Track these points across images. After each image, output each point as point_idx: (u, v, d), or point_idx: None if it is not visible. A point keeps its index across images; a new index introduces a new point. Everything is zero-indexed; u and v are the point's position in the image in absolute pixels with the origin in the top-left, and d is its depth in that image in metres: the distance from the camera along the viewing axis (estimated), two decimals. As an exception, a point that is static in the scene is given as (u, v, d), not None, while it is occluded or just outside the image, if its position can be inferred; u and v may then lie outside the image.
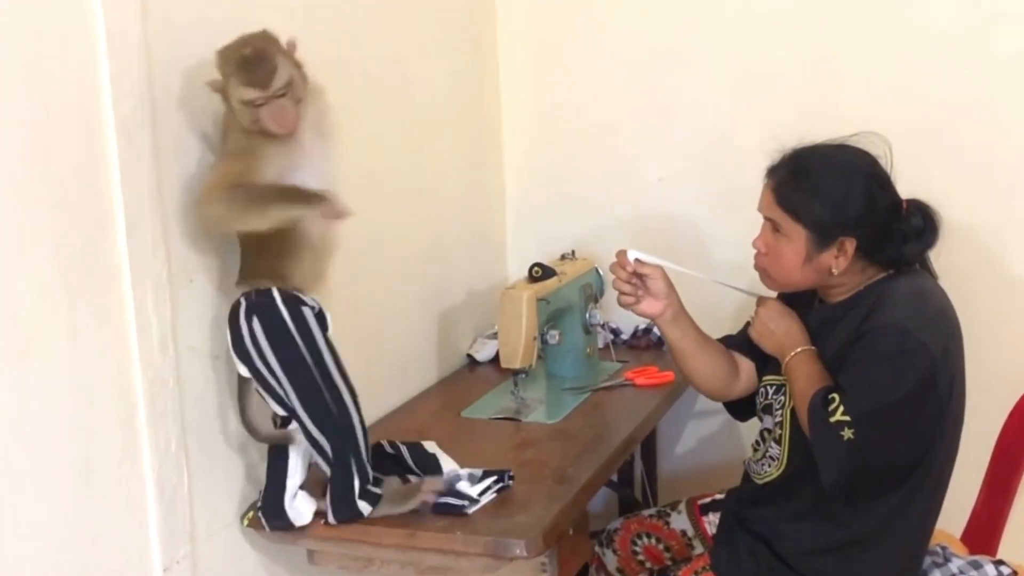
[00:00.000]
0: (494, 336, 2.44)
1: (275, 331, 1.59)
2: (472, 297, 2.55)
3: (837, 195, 1.76)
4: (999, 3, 2.31)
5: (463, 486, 1.72)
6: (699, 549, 2.08)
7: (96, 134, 1.44)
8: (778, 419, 1.86)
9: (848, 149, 1.80)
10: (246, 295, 1.61)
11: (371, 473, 1.66)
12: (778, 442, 1.87)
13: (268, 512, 1.68)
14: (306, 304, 1.62)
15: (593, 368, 2.38)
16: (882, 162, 1.80)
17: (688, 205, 2.61)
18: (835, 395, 1.65)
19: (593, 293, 2.40)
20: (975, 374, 2.33)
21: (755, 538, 1.86)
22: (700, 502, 2.16)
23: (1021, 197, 2.35)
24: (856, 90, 2.38)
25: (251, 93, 1.52)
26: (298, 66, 1.57)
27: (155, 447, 1.55)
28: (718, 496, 2.14)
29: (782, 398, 1.85)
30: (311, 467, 1.71)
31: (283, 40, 1.57)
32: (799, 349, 1.79)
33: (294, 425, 1.64)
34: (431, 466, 1.82)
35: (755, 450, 1.94)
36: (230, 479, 1.74)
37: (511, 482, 1.74)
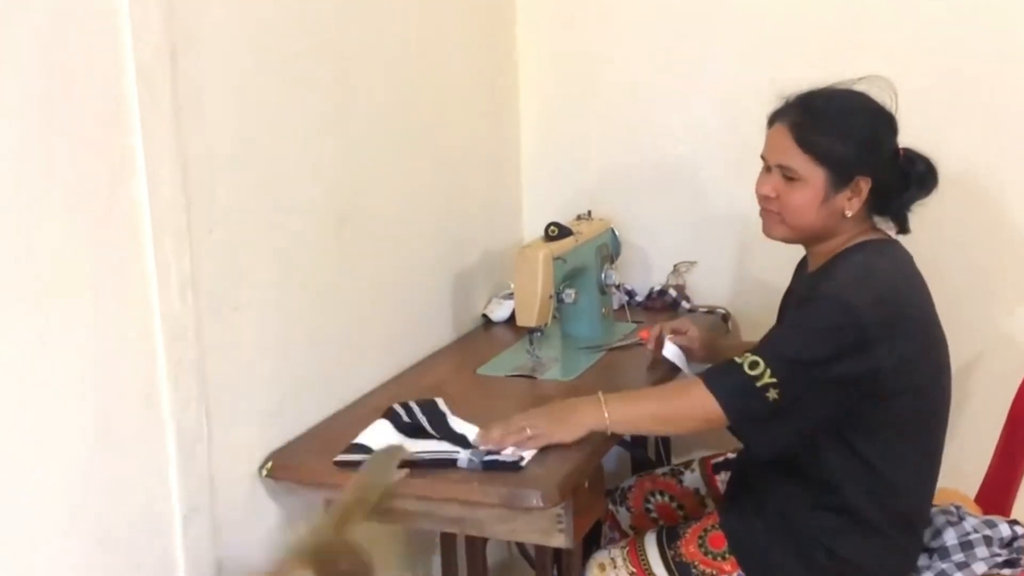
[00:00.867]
0: (510, 296, 2.46)
1: None
2: (487, 257, 2.57)
3: (860, 133, 1.81)
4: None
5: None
6: (711, 507, 2.12)
7: (117, 83, 1.44)
8: None
9: (861, 92, 1.83)
10: None
11: None
12: None
13: None
14: None
15: (608, 328, 2.40)
16: (889, 107, 1.83)
17: (703, 165, 2.61)
18: (755, 357, 1.71)
19: (609, 253, 2.41)
20: (989, 338, 2.39)
21: (761, 497, 1.90)
22: (713, 461, 2.21)
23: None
24: (871, 51, 2.37)
25: None
26: None
27: (175, 396, 1.57)
28: (730, 455, 2.18)
29: None
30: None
31: None
32: (600, 398, 1.79)
33: None
34: (443, 427, 1.83)
35: None
36: (250, 430, 1.77)
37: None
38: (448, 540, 2.24)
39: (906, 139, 1.85)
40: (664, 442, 2.62)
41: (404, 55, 2.21)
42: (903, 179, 1.85)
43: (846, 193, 1.80)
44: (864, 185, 1.80)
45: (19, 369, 1.34)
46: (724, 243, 2.57)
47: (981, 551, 1.84)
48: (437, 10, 2.35)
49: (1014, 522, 1.89)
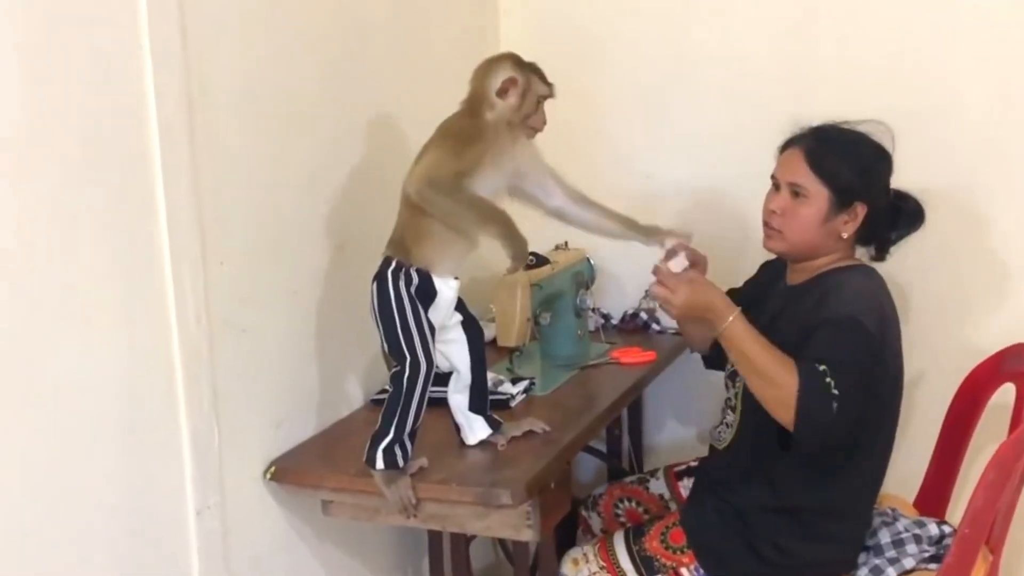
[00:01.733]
0: (492, 319, 2.64)
1: (381, 295, 1.84)
2: (473, 283, 2.71)
3: (864, 163, 1.97)
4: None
5: (506, 387, 2.17)
6: (674, 510, 2.27)
7: (141, 132, 1.62)
8: (737, 388, 2.07)
9: (865, 131, 2.00)
10: (383, 260, 1.86)
11: (407, 441, 1.83)
12: (733, 411, 2.08)
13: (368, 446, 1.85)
14: (408, 279, 1.83)
15: (584, 348, 2.55)
16: (888, 148, 2.01)
17: (674, 199, 2.77)
18: (825, 367, 1.77)
19: (584, 280, 2.55)
20: (928, 354, 2.55)
21: (719, 498, 2.05)
22: (676, 469, 2.36)
23: (973, 195, 2.52)
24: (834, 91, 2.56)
25: (546, 91, 1.90)
26: None
27: (190, 407, 1.74)
28: (692, 463, 2.34)
29: None
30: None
31: None
32: (735, 312, 1.86)
33: (447, 390, 1.96)
34: None
35: (719, 421, 2.15)
36: (256, 438, 1.93)
37: (534, 387, 2.17)
38: (435, 542, 2.38)
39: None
40: (637, 453, 2.80)
41: (399, 97, 2.38)
42: (893, 214, 2.03)
43: (844, 216, 1.96)
44: (861, 211, 1.96)
45: (60, 383, 1.52)
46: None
47: (911, 548, 2.00)
48: (431, 59, 2.53)
49: (943, 522, 2.05)
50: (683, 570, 2.02)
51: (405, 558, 2.49)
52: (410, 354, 1.82)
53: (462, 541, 2.29)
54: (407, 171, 1.85)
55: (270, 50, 1.94)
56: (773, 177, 2.04)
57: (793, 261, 2.08)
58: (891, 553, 2.01)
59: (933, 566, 1.99)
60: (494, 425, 1.96)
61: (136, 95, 1.62)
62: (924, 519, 2.07)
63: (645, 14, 2.77)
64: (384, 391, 2.20)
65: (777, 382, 1.80)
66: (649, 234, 2.06)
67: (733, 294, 2.29)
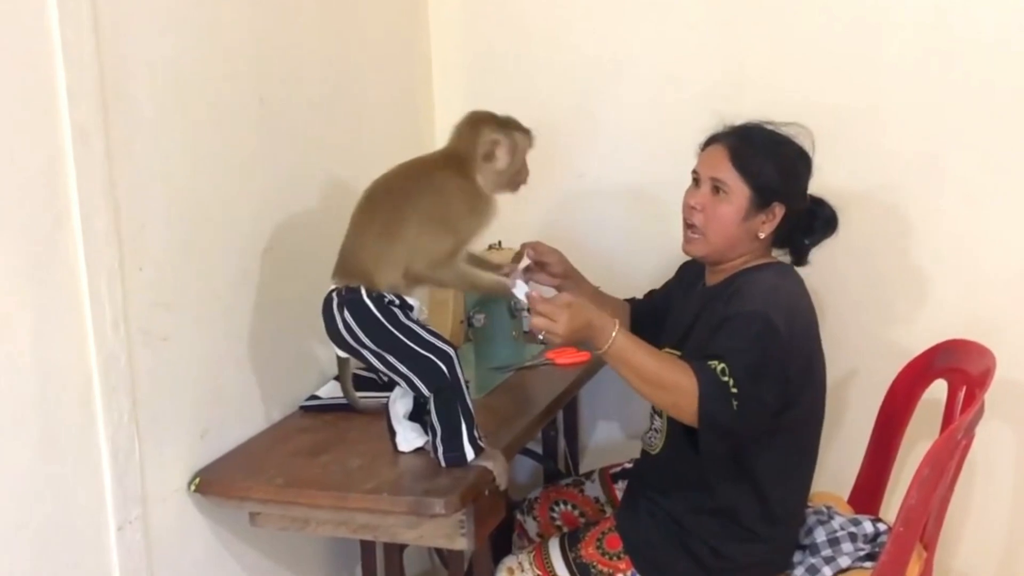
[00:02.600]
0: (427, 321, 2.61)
1: (365, 322, 1.81)
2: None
3: (786, 165, 1.98)
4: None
5: None
6: (609, 513, 2.26)
7: (55, 138, 1.57)
8: None
9: (789, 134, 2.01)
10: (337, 291, 1.84)
11: (475, 419, 1.83)
12: (660, 416, 2.08)
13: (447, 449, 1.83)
14: (385, 297, 1.83)
15: (518, 349, 2.52)
16: (809, 151, 2.02)
17: (605, 199, 2.79)
18: (723, 365, 1.77)
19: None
20: (860, 354, 2.58)
21: (653, 501, 2.04)
22: (611, 471, 2.35)
23: (899, 198, 2.55)
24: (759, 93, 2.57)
25: (529, 142, 1.94)
26: None
27: (109, 418, 1.68)
28: (627, 465, 2.33)
29: None
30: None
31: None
32: (615, 327, 1.83)
33: (391, 396, 1.91)
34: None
35: (648, 426, 2.13)
36: (178, 449, 1.87)
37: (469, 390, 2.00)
38: (368, 549, 2.35)
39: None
40: (573, 455, 2.79)
41: (323, 101, 2.35)
42: (809, 219, 2.04)
43: (762, 216, 1.97)
44: (779, 212, 1.97)
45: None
46: (626, 268, 2.73)
47: (847, 546, 2.01)
48: (359, 64, 2.50)
49: (877, 520, 2.06)
50: None
51: (338, 567, 2.45)
52: (432, 352, 1.81)
53: (395, 549, 2.26)
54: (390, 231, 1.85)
55: (189, 49, 1.89)
56: (694, 172, 2.04)
57: (711, 264, 2.08)
58: (827, 552, 2.02)
59: (868, 564, 2.00)
60: (477, 450, 1.86)
61: (47, 97, 1.56)
62: (859, 517, 2.08)
63: (577, 13, 2.76)
64: (314, 397, 2.18)
65: (674, 389, 1.79)
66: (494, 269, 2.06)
67: (651, 296, 2.29)
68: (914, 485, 1.78)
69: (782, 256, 2.09)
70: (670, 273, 2.34)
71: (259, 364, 2.12)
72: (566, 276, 2.23)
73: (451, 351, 1.82)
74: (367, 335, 1.81)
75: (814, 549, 2.03)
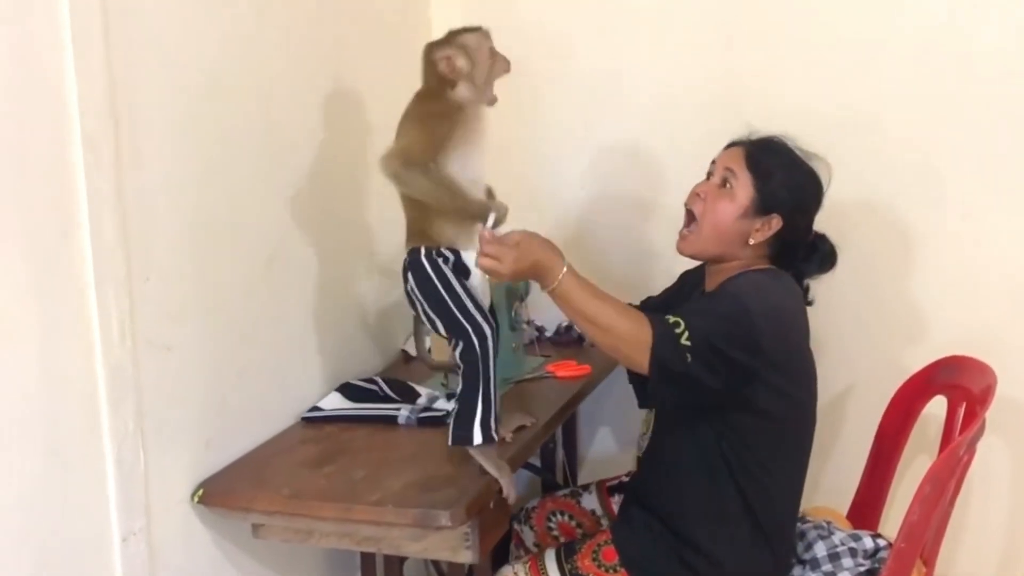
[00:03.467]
0: (428, 334, 2.61)
1: (422, 282, 1.86)
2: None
3: (797, 181, 1.99)
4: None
5: (440, 403, 2.13)
6: (605, 526, 2.27)
7: (64, 149, 1.57)
8: None
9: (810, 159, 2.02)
10: (409, 252, 1.89)
11: (496, 410, 1.84)
12: (650, 411, 2.09)
13: (456, 427, 1.85)
14: (444, 257, 1.86)
15: (518, 362, 2.52)
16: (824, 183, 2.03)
17: (607, 212, 2.80)
18: (680, 321, 1.81)
19: (519, 294, 2.54)
20: (860, 369, 2.59)
21: (649, 513, 2.04)
22: (608, 484, 2.35)
23: (899, 212, 2.56)
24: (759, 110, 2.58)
25: (482, 38, 1.87)
26: None
27: (114, 429, 1.68)
28: (624, 478, 2.33)
29: None
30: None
31: None
32: (564, 268, 1.83)
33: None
34: (407, 393, 2.06)
35: (644, 430, 2.14)
36: (182, 460, 1.87)
37: None
38: (368, 561, 2.34)
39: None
40: (571, 467, 2.79)
41: (327, 114, 2.35)
42: (809, 250, 2.05)
43: (758, 222, 1.97)
44: (775, 224, 1.97)
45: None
46: (626, 280, 2.71)
47: (847, 561, 2.01)
48: (364, 74, 2.50)
49: (877, 535, 2.06)
50: (616, 587, 2.01)
51: (336, 575, 2.44)
52: (471, 324, 1.82)
53: (396, 560, 2.25)
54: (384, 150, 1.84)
55: (198, 64, 1.89)
56: (712, 163, 2.06)
57: (706, 262, 2.09)
58: (827, 567, 2.02)
59: (868, 580, 2.00)
60: (487, 438, 1.87)
61: (59, 109, 1.57)
62: (859, 532, 2.08)
63: (579, 28, 2.77)
64: (316, 408, 2.18)
65: (625, 334, 1.82)
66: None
67: (647, 302, 2.30)
68: (916, 502, 1.79)
69: None
70: (669, 283, 2.35)
71: (263, 375, 2.12)
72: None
73: (488, 330, 1.83)
74: (422, 295, 1.86)
75: (814, 564, 2.03)
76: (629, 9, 2.72)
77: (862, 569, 2.01)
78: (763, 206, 1.97)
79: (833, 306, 2.53)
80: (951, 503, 2.00)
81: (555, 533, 2.35)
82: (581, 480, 2.80)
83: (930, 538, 2.00)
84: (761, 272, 2.00)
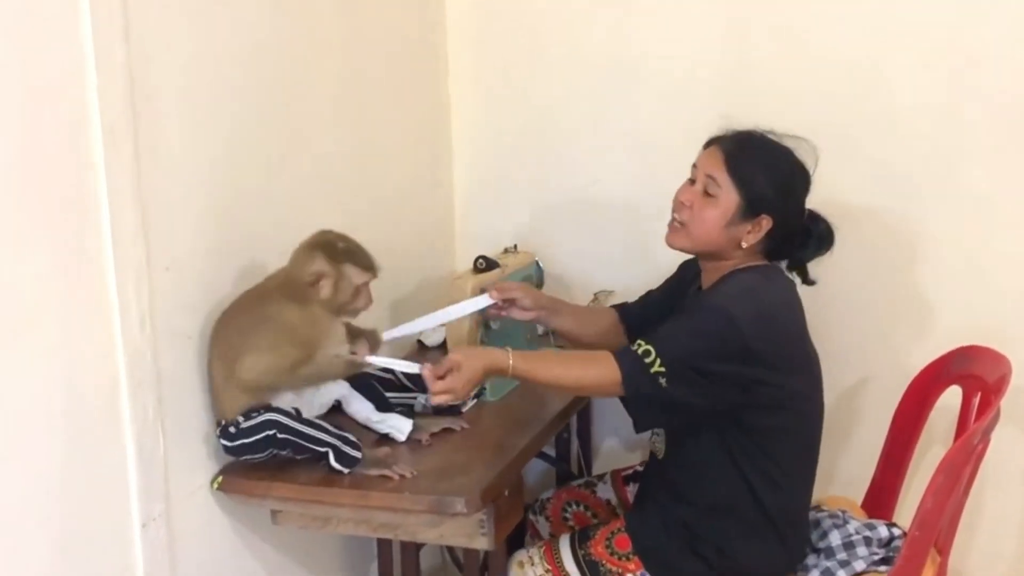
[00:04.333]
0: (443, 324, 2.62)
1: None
2: (422, 287, 2.72)
3: (781, 178, 1.97)
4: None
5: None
6: (621, 515, 2.27)
7: (85, 141, 1.59)
8: None
9: (789, 147, 2.00)
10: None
11: (340, 441, 1.86)
12: None
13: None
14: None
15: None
16: (809, 167, 2.01)
17: (619, 202, 2.80)
18: (650, 347, 1.83)
19: (533, 283, 2.53)
20: (874, 361, 2.59)
21: (661, 504, 2.05)
22: (623, 473, 2.36)
23: (911, 206, 2.55)
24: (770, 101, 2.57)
25: (364, 277, 1.91)
26: None
27: (134, 416, 1.70)
28: (639, 467, 2.34)
29: None
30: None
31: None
32: (508, 355, 1.88)
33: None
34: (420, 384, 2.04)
35: (653, 432, 2.14)
36: (201, 447, 1.89)
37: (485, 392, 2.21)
38: (384, 547, 2.36)
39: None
40: (586, 457, 2.80)
41: (346, 104, 2.37)
42: (804, 234, 2.03)
43: (747, 225, 1.96)
44: (765, 224, 1.96)
45: (-1, 391, 1.48)
46: (638, 271, 2.71)
47: (862, 550, 2.01)
48: (377, 64, 2.51)
49: (892, 524, 2.07)
50: (628, 576, 2.03)
51: (354, 564, 2.47)
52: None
53: (412, 547, 2.26)
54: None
55: (216, 54, 1.91)
56: (693, 167, 2.04)
57: (699, 258, 2.09)
58: (842, 555, 2.03)
59: (883, 568, 2.00)
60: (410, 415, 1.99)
61: (79, 100, 1.58)
62: (874, 521, 2.09)
63: (591, 20, 2.77)
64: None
65: (594, 382, 1.90)
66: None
67: (647, 297, 2.29)
68: (930, 491, 1.80)
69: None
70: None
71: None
72: (540, 307, 2.21)
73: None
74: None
75: (829, 552, 2.04)
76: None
77: (876, 557, 2.02)
78: (750, 210, 1.95)
79: (847, 298, 2.54)
80: (966, 492, 2.01)
81: (571, 523, 2.36)
82: (596, 470, 2.81)
83: (944, 527, 2.00)
84: (752, 271, 1.99)
